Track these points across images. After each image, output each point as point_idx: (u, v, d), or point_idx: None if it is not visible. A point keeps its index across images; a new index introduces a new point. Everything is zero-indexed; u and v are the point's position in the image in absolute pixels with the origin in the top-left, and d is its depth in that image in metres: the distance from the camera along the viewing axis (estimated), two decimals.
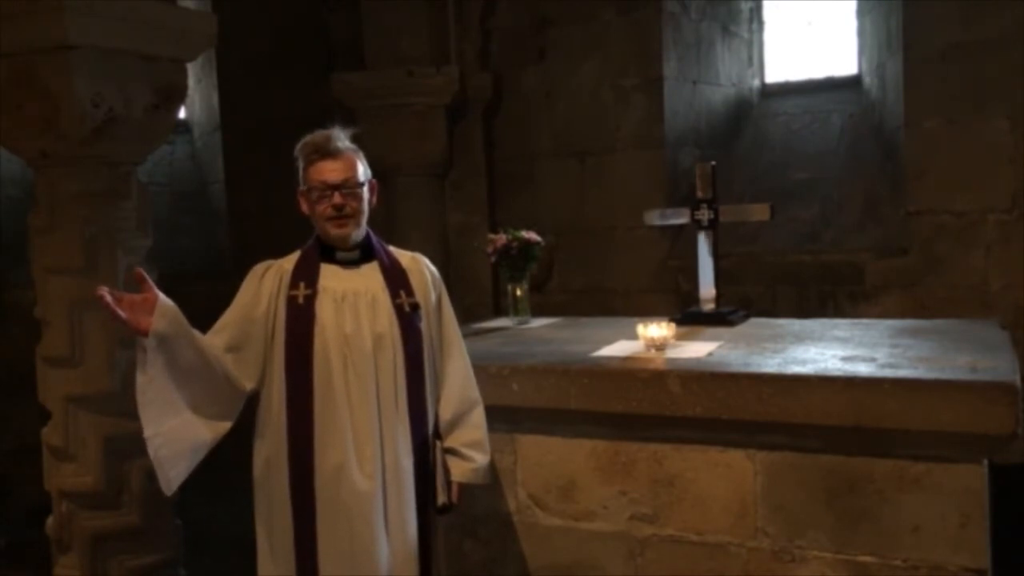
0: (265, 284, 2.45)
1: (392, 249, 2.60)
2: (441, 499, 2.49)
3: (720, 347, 3.01)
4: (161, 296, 2.24)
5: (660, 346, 2.97)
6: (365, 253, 2.51)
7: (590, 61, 5.50)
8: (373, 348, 2.40)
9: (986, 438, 2.32)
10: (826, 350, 2.88)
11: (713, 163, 3.69)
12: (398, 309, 2.45)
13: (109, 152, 3.52)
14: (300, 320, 2.39)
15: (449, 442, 2.55)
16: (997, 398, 2.28)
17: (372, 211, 2.52)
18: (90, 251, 3.48)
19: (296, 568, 2.39)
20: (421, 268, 2.59)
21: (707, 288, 3.64)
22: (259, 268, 2.50)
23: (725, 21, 5.74)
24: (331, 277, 2.45)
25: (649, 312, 3.89)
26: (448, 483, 2.52)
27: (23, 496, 4.70)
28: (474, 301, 5.58)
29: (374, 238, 2.55)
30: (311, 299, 2.40)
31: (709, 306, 3.64)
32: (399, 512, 2.42)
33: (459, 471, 2.54)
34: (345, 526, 2.36)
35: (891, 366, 2.58)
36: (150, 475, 3.63)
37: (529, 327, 3.80)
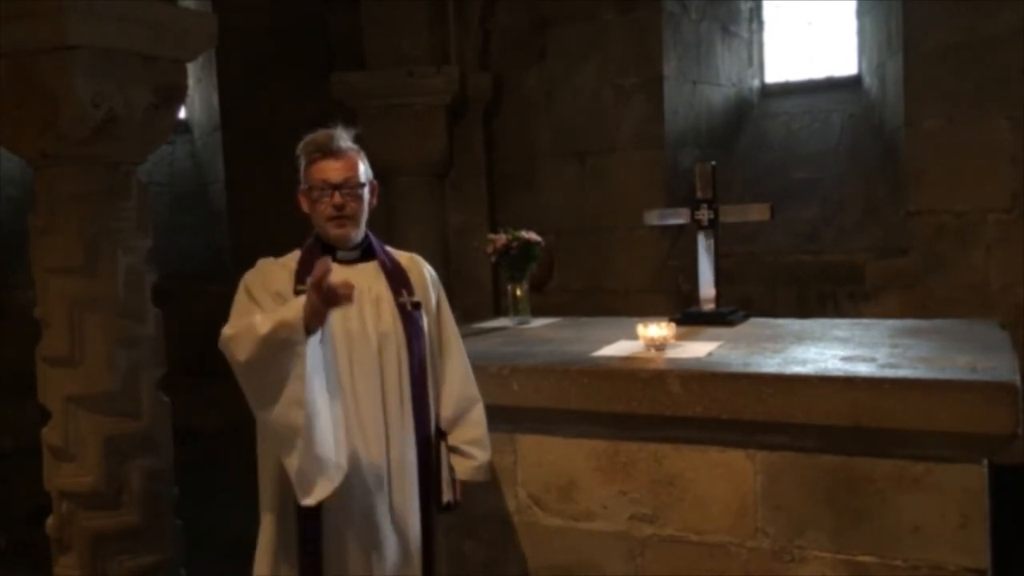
0: (279, 277, 2.44)
1: (390, 249, 2.60)
2: (446, 497, 2.50)
3: (720, 347, 3.01)
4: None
5: (660, 346, 2.97)
6: (364, 253, 2.51)
7: (590, 61, 5.50)
8: (378, 346, 2.40)
9: (986, 438, 2.33)
10: (826, 350, 2.88)
11: (713, 163, 3.69)
12: (401, 308, 2.45)
13: (109, 152, 3.51)
14: None
15: (451, 440, 2.56)
16: (997, 398, 2.28)
17: (371, 212, 2.52)
18: (90, 251, 3.47)
19: (299, 566, 2.39)
20: (420, 268, 2.60)
21: (707, 288, 3.65)
22: (267, 261, 2.49)
23: (725, 21, 5.74)
24: (334, 275, 2.44)
25: (649, 312, 3.89)
26: (453, 481, 2.53)
27: (23, 496, 4.70)
28: (474, 301, 5.58)
29: (373, 239, 2.55)
30: None
31: (709, 306, 3.64)
32: (403, 510, 2.42)
33: (461, 469, 2.55)
34: (350, 523, 2.36)
35: (891, 366, 2.58)
36: (150, 475, 3.64)
37: (529, 327, 3.80)
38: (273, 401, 2.18)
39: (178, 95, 3.76)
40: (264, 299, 2.38)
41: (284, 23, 6.06)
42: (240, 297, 2.42)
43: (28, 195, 4.30)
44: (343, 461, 2.26)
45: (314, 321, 2.13)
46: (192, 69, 4.66)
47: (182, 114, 6.99)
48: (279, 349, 2.14)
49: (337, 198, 2.39)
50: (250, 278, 2.45)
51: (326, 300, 2.09)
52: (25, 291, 3.91)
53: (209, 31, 3.77)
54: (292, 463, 2.20)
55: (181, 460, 3.87)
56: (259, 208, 5.84)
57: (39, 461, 3.67)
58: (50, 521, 3.65)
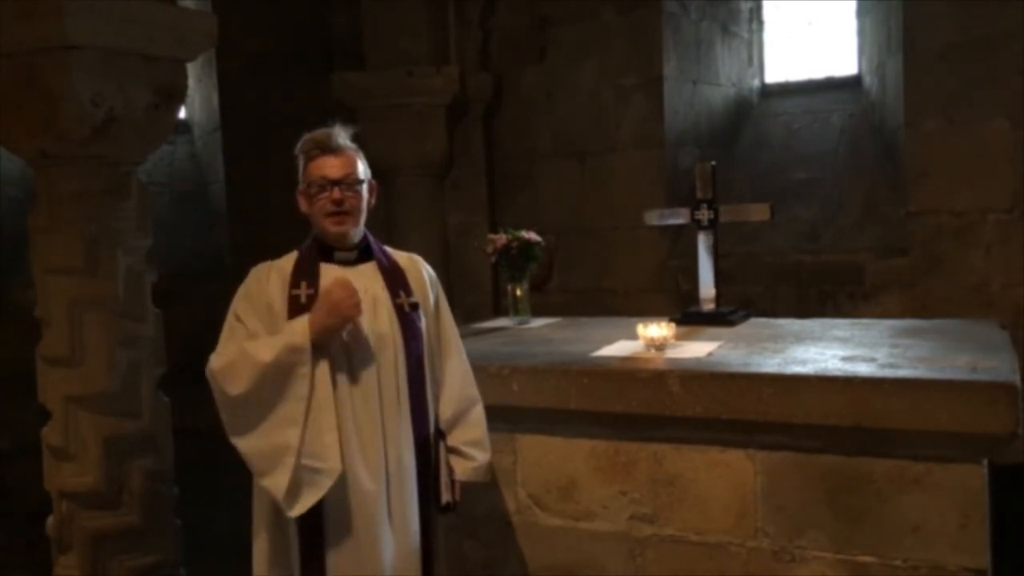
0: (271, 284, 2.44)
1: (389, 250, 2.60)
2: (445, 498, 2.50)
3: (720, 347, 3.01)
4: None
5: (660, 346, 2.97)
6: (363, 253, 2.51)
7: (590, 61, 5.50)
8: (375, 348, 2.40)
9: (986, 438, 2.33)
10: (826, 350, 2.88)
11: (713, 163, 3.69)
12: (398, 309, 2.45)
13: (109, 152, 3.52)
14: None
15: (450, 441, 2.56)
16: (997, 398, 2.28)
17: (370, 212, 2.52)
18: (90, 251, 3.48)
19: (300, 569, 2.39)
20: (419, 268, 2.59)
21: (707, 288, 3.65)
22: (260, 268, 2.49)
23: (725, 21, 5.74)
24: (331, 277, 2.44)
25: (649, 312, 3.88)
26: (452, 482, 2.53)
27: (23, 496, 4.70)
28: (474, 301, 5.58)
29: (371, 239, 2.55)
30: (313, 299, 2.40)
31: (709, 306, 3.64)
32: (402, 511, 2.42)
33: (461, 469, 2.55)
34: (350, 526, 2.35)
35: (891, 366, 2.58)
36: (150, 475, 3.64)
37: (529, 327, 3.80)
38: (260, 423, 2.22)
39: (178, 95, 3.76)
40: (251, 321, 2.37)
41: (284, 23, 6.06)
42: (228, 323, 2.41)
43: (28, 195, 4.31)
44: (337, 464, 2.27)
45: (325, 338, 2.23)
46: (192, 69, 4.66)
47: (182, 114, 6.99)
48: (283, 375, 2.21)
49: (336, 193, 2.39)
50: (238, 301, 2.43)
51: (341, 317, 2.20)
52: (25, 291, 3.91)
53: (209, 31, 3.77)
54: (278, 481, 2.21)
55: (181, 460, 3.88)
56: (259, 208, 5.83)
57: (39, 461, 3.67)
58: (50, 521, 3.65)
